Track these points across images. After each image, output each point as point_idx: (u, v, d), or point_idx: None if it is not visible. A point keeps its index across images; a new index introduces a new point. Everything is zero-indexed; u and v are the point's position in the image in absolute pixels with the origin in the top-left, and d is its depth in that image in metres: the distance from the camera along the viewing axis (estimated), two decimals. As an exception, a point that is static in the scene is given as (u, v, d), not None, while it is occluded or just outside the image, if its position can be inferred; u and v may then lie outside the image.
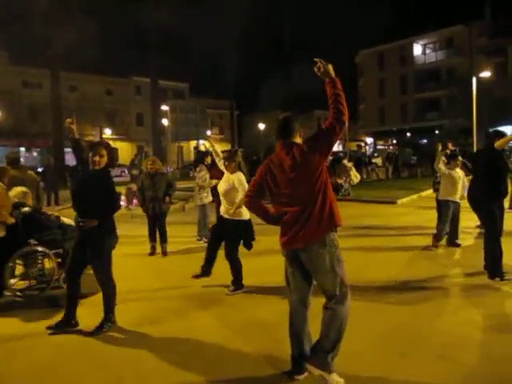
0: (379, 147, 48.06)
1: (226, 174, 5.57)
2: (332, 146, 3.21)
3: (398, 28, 61.96)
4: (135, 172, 16.21)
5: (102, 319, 4.29)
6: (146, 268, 6.90)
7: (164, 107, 32.19)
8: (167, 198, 7.60)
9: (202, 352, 3.86)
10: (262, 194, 3.34)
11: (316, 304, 3.37)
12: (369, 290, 5.24)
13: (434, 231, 7.37)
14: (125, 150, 42.71)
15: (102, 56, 39.42)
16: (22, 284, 5.33)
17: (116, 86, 46.08)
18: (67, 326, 4.26)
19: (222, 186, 5.56)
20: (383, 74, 49.61)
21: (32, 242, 5.21)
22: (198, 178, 8.63)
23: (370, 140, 51.13)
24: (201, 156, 9.82)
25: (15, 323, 4.55)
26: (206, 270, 5.76)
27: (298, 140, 3.31)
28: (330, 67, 3.21)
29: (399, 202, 13.86)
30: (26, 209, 5.36)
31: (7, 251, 5.00)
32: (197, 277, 5.80)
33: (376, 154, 36.75)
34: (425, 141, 41.31)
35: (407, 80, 47.62)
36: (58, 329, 4.23)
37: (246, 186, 5.29)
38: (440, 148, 7.36)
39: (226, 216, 5.43)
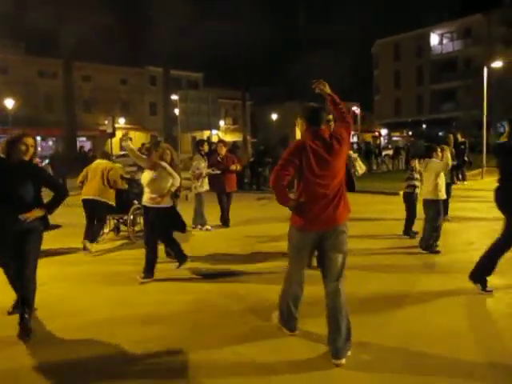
0: (394, 139, 47.60)
1: (150, 166, 5.70)
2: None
3: (415, 17, 60.90)
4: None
5: None
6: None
7: (174, 97, 32.26)
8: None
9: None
10: (290, 172, 3.50)
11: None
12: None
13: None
14: (138, 139, 43.07)
15: (117, 46, 39.54)
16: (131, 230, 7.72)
17: (131, 75, 46.36)
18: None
19: (146, 177, 5.67)
20: (399, 65, 48.97)
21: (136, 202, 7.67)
22: (192, 168, 8.74)
23: (384, 131, 50.65)
24: (195, 145, 9.86)
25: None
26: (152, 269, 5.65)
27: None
28: (327, 86, 3.78)
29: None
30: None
31: (127, 207, 7.63)
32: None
33: (390, 146, 36.44)
34: (441, 133, 40.80)
35: (423, 71, 46.94)
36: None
37: (175, 174, 5.65)
38: (452, 140, 7.30)
39: (149, 204, 5.62)
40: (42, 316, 4.40)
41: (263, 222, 9.73)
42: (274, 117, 44.49)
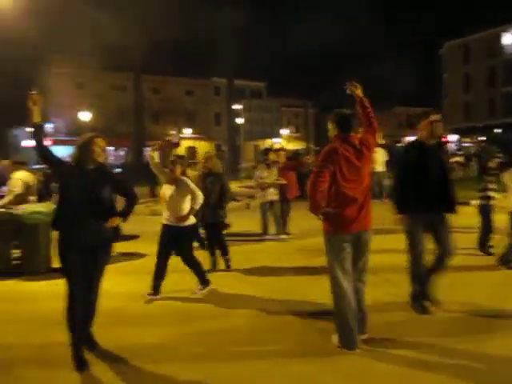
0: (465, 145, 45.48)
1: (171, 180, 5.30)
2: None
3: (487, 17, 58.08)
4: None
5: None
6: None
7: (237, 106, 32.89)
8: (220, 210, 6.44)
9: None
10: (326, 178, 3.62)
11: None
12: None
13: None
14: (203, 149, 44.19)
15: (183, 58, 41.01)
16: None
17: (196, 86, 47.81)
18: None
19: (166, 192, 5.25)
20: (468, 68, 46.85)
21: None
22: (254, 177, 8.88)
23: (454, 137, 48.52)
24: (262, 154, 10.08)
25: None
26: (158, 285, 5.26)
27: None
28: (359, 88, 3.84)
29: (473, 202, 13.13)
30: None
31: None
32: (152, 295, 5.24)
33: (460, 152, 34.84)
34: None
35: (495, 72, 44.57)
36: None
37: (197, 192, 5.21)
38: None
39: (171, 223, 5.20)
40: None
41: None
42: (337, 124, 44.02)
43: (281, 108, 47.75)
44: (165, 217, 5.27)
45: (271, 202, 8.66)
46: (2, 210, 6.60)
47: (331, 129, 3.79)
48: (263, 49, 40.37)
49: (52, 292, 5.61)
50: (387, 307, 4.71)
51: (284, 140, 48.31)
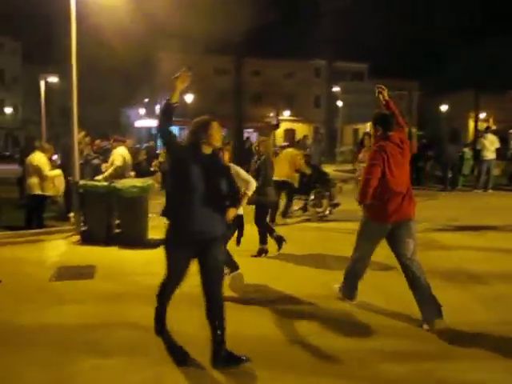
0: None
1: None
2: None
3: None
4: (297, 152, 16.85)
5: None
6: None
7: (336, 89, 32.29)
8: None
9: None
10: (379, 174, 4.05)
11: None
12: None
13: None
14: (301, 132, 44.19)
15: (284, 40, 40.99)
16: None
17: (296, 69, 47.63)
18: None
19: None
20: None
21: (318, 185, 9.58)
22: (357, 162, 8.42)
23: None
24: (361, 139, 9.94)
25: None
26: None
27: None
28: (385, 91, 4.41)
29: None
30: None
31: (308, 189, 9.43)
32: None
33: None
34: None
35: None
36: None
37: (248, 177, 5.03)
38: None
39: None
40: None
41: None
42: (444, 108, 41.34)
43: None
44: None
45: None
46: (105, 183, 7.26)
47: (375, 129, 4.22)
48: (368, 29, 38.64)
49: (145, 260, 6.18)
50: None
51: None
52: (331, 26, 31.80)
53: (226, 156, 4.95)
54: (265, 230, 6.52)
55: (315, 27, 35.85)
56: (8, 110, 46.94)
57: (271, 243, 6.55)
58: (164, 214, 3.45)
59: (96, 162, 9.08)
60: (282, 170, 8.44)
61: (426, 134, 35.22)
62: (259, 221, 6.48)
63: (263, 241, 6.51)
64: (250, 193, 4.94)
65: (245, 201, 4.91)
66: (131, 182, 7.31)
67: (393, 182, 4.03)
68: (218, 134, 3.42)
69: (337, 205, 9.77)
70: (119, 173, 7.47)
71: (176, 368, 3.35)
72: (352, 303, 4.53)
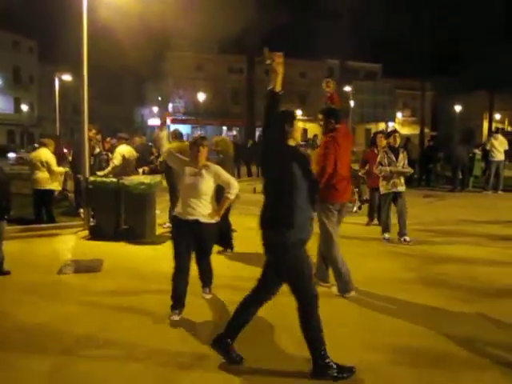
0: None
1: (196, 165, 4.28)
2: None
3: None
4: (309, 152, 16.92)
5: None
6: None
7: (347, 88, 32.21)
8: None
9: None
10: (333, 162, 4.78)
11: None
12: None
13: None
14: (313, 131, 44.16)
15: (297, 41, 41.04)
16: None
17: (309, 68, 47.66)
18: None
19: (189, 182, 4.24)
20: None
21: None
22: (377, 163, 7.43)
23: None
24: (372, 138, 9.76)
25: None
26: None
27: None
28: (331, 85, 4.98)
29: None
30: None
31: None
32: None
33: None
34: None
35: None
36: None
37: (231, 180, 4.35)
38: None
39: (202, 219, 4.22)
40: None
41: (435, 224, 8.86)
42: (458, 108, 40.99)
43: (395, 90, 45.64)
44: (189, 212, 4.37)
45: (395, 194, 7.17)
46: (114, 179, 7.41)
47: (326, 121, 4.72)
48: (381, 29, 38.40)
49: (151, 255, 6.31)
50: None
51: (398, 124, 46.30)
52: (345, 26, 31.74)
53: (204, 154, 4.29)
54: (227, 227, 6.52)
55: (329, 27, 35.78)
56: (24, 108, 47.64)
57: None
58: (285, 222, 3.09)
59: (105, 158, 9.25)
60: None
61: (437, 135, 35.01)
62: (222, 217, 6.49)
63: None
64: (231, 196, 4.27)
65: (226, 205, 4.34)
66: (139, 179, 7.45)
67: (341, 168, 4.68)
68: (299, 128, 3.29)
69: (366, 201, 9.69)
70: (119, 171, 7.60)
71: (178, 356, 3.44)
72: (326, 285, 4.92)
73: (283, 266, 3.15)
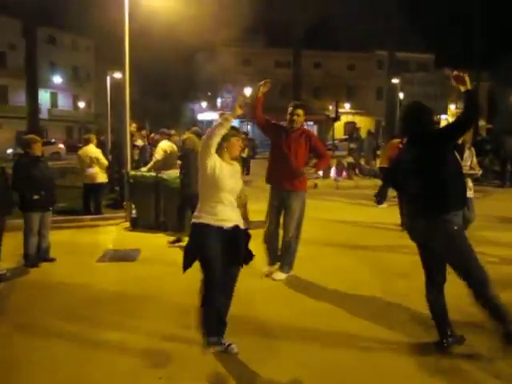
0: None
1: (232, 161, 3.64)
2: None
3: None
4: (352, 145, 16.79)
5: None
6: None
7: (395, 80, 31.38)
8: None
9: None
10: None
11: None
12: None
13: None
14: (363, 124, 43.41)
15: (345, 32, 40.39)
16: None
17: (358, 60, 46.80)
18: None
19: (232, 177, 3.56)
20: None
21: None
22: None
23: None
24: None
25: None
26: None
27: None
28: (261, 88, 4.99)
29: None
30: None
31: None
32: None
33: None
34: None
35: None
36: None
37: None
38: None
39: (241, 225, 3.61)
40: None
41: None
42: (516, 99, 39.02)
43: (448, 81, 43.84)
44: (227, 217, 3.74)
45: None
46: (153, 174, 7.74)
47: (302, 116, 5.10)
48: (434, 18, 37.01)
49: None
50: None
51: (451, 116, 44.59)
52: (395, 15, 30.89)
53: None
54: (182, 220, 6.75)
55: (378, 17, 34.96)
56: (81, 105, 49.77)
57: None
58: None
59: (149, 152, 9.65)
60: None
61: (494, 127, 33.45)
62: (179, 210, 6.87)
63: (180, 229, 6.78)
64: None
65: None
66: (177, 173, 7.73)
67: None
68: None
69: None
70: (160, 165, 7.90)
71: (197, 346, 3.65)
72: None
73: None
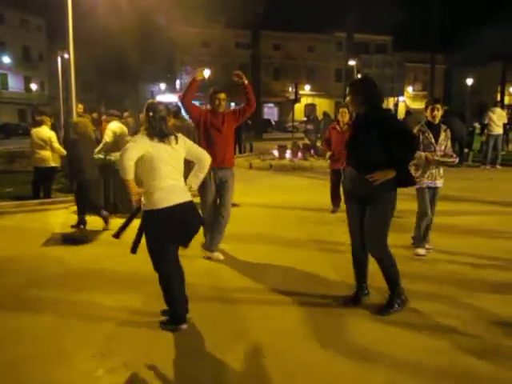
0: None
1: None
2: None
3: None
4: (309, 127, 17.01)
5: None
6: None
7: (352, 62, 31.78)
8: None
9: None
10: None
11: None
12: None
13: None
14: (323, 106, 43.83)
15: (305, 14, 40.45)
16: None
17: (318, 42, 47.03)
18: None
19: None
20: None
21: None
22: None
23: None
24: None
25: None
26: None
27: None
28: (243, 76, 5.28)
29: None
30: None
31: None
32: None
33: None
34: None
35: None
36: None
37: None
38: None
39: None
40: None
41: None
42: (470, 82, 40.20)
43: (405, 63, 44.77)
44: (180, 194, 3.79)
45: (433, 191, 5.23)
46: (101, 156, 7.61)
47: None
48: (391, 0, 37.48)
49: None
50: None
51: (408, 98, 45.64)
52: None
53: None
54: (83, 206, 6.78)
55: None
56: (34, 87, 47.99)
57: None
58: None
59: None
60: None
61: (450, 109, 34.40)
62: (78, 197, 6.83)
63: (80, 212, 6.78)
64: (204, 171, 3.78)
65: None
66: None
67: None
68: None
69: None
70: (110, 147, 7.77)
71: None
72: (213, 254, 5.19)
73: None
